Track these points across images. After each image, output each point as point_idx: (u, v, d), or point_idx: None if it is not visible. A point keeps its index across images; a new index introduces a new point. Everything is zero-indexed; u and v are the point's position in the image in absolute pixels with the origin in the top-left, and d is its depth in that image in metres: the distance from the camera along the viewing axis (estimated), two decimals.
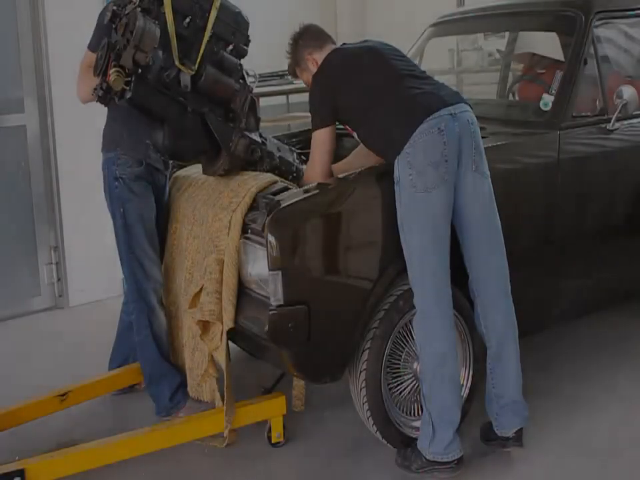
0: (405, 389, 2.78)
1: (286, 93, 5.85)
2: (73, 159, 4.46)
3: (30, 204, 4.51)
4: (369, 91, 2.68)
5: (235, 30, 2.92)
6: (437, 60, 4.22)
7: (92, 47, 2.96)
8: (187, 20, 2.73)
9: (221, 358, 2.78)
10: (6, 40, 4.36)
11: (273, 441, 2.91)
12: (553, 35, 3.56)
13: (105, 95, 2.62)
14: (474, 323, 2.80)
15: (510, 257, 2.71)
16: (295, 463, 2.84)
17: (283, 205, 2.52)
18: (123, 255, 3.04)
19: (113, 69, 2.55)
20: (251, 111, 2.99)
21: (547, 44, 3.67)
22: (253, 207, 2.73)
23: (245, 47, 2.98)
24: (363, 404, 2.71)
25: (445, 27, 4.09)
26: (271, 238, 2.45)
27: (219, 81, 2.84)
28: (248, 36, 2.97)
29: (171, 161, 3.25)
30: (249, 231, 2.69)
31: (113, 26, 2.61)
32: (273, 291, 2.48)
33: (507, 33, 4.24)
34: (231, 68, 2.90)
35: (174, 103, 2.77)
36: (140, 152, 2.98)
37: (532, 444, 2.84)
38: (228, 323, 2.68)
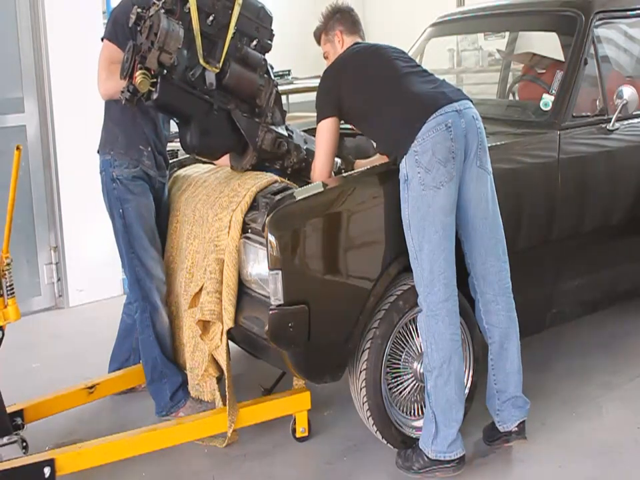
0: (405, 388, 2.78)
1: (286, 93, 5.85)
2: (73, 159, 4.46)
3: (30, 204, 4.51)
4: (373, 91, 2.69)
5: (259, 25, 2.93)
6: (437, 60, 4.22)
7: (109, 36, 2.93)
8: (211, 18, 2.75)
9: (221, 358, 2.78)
10: (6, 40, 4.36)
11: (297, 435, 2.92)
12: (553, 35, 3.56)
13: (132, 97, 2.64)
14: (474, 323, 2.80)
15: (509, 256, 2.72)
16: (295, 462, 2.84)
17: (283, 205, 2.53)
18: (124, 255, 3.05)
19: (139, 71, 2.57)
20: (277, 104, 3.01)
21: (547, 44, 3.67)
22: (253, 206, 2.74)
23: (269, 42, 3.00)
24: (363, 404, 2.70)
25: (445, 26, 4.09)
26: (271, 238, 2.45)
27: (243, 77, 2.86)
28: (272, 30, 2.98)
29: (170, 163, 3.26)
30: (249, 230, 2.70)
31: (138, 28, 2.62)
32: (273, 291, 2.48)
33: (507, 33, 4.24)
34: (255, 63, 2.92)
35: (200, 102, 2.79)
36: (133, 157, 2.99)
37: (532, 444, 2.83)
38: (228, 323, 2.69)
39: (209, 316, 2.71)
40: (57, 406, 3.04)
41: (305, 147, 3.07)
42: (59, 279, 4.63)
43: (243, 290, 2.73)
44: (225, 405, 2.81)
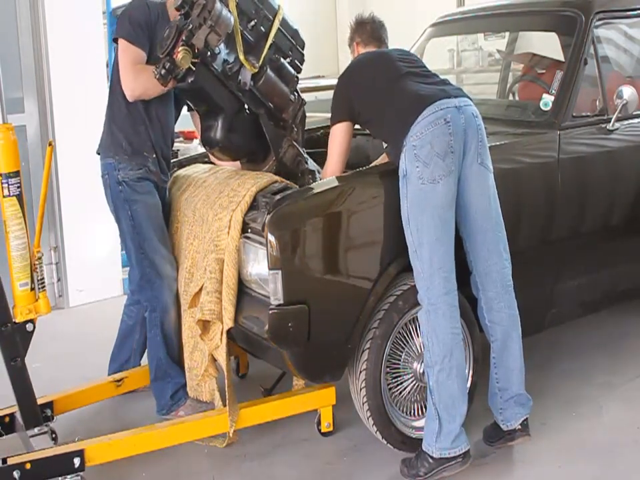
0: (405, 389, 2.78)
1: None
2: (73, 159, 4.46)
3: (30, 204, 4.50)
4: (376, 93, 2.72)
5: (293, 46, 3.03)
6: (437, 60, 4.22)
7: (130, 38, 2.88)
8: (252, 23, 2.82)
9: (221, 358, 2.78)
10: (6, 40, 4.36)
11: (322, 431, 2.93)
12: (553, 35, 3.56)
13: (166, 74, 2.63)
14: (474, 323, 2.80)
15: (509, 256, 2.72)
16: (295, 463, 2.84)
17: (283, 205, 2.53)
18: (133, 256, 3.03)
19: (182, 47, 2.58)
20: (301, 124, 3.08)
21: (547, 44, 3.67)
22: (253, 206, 2.74)
23: (300, 65, 3.08)
24: (363, 404, 2.70)
25: (445, 26, 4.10)
26: (271, 237, 2.45)
27: (276, 86, 2.93)
28: (303, 54, 3.08)
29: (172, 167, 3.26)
30: (249, 230, 2.70)
31: (182, 12, 2.64)
32: (273, 291, 2.48)
33: (507, 33, 4.25)
34: (288, 78, 2.99)
35: (232, 97, 2.84)
36: (138, 162, 2.99)
37: (532, 444, 2.83)
38: (228, 323, 2.69)
39: (208, 316, 2.71)
40: (86, 398, 3.11)
41: (318, 176, 3.10)
42: (58, 279, 4.63)
43: (242, 290, 2.73)
44: (224, 405, 2.81)
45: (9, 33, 4.36)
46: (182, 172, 3.32)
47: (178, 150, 5.05)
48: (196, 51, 2.61)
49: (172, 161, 3.35)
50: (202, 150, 3.64)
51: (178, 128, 5.81)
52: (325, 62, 8.65)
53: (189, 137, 5.77)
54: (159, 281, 3.00)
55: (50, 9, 4.38)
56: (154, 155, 3.02)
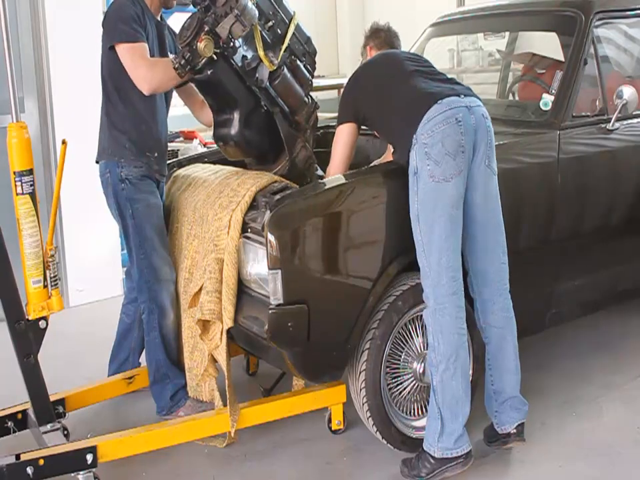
0: (404, 389, 2.78)
1: None
2: (73, 159, 4.44)
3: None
4: (382, 92, 2.73)
5: (306, 52, 3.05)
6: (437, 60, 4.23)
7: (134, 38, 2.84)
8: (270, 24, 2.85)
9: (221, 357, 2.78)
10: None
11: (333, 428, 2.93)
12: (553, 35, 3.56)
13: (185, 65, 2.63)
14: (474, 322, 2.80)
15: (509, 256, 2.72)
16: (295, 462, 2.84)
17: (283, 205, 2.53)
18: (133, 256, 3.02)
19: (205, 36, 2.58)
20: (313, 128, 3.10)
21: (547, 44, 3.68)
22: (252, 206, 2.74)
23: (311, 71, 3.10)
24: (363, 404, 2.70)
25: (445, 26, 4.10)
26: (270, 237, 2.45)
27: (292, 87, 2.95)
28: (315, 62, 3.11)
29: (169, 163, 3.25)
30: (249, 230, 2.70)
31: (204, 4, 2.63)
32: (273, 290, 2.49)
33: (507, 33, 4.25)
34: (303, 80, 3.01)
35: (250, 93, 2.85)
36: (142, 161, 2.99)
37: (531, 444, 2.83)
38: (228, 322, 2.69)
39: (208, 316, 2.71)
40: (97, 395, 3.14)
41: None
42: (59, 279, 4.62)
43: (242, 289, 2.73)
44: (224, 404, 2.81)
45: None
46: (182, 172, 3.32)
47: (178, 150, 5.06)
48: (221, 44, 2.62)
49: (172, 160, 3.36)
50: (202, 150, 3.64)
51: (178, 128, 5.81)
52: (325, 62, 8.63)
53: (188, 137, 5.77)
54: (157, 284, 3.00)
55: (50, 9, 4.38)
56: (156, 154, 3.02)
